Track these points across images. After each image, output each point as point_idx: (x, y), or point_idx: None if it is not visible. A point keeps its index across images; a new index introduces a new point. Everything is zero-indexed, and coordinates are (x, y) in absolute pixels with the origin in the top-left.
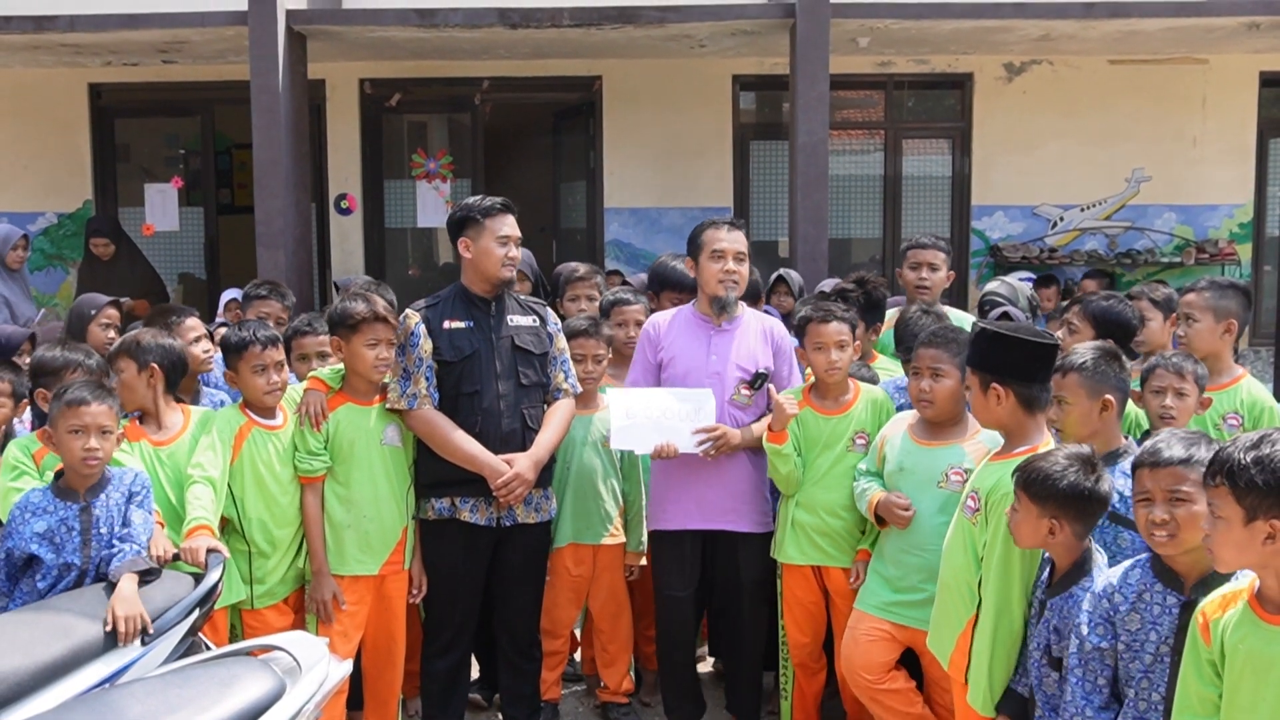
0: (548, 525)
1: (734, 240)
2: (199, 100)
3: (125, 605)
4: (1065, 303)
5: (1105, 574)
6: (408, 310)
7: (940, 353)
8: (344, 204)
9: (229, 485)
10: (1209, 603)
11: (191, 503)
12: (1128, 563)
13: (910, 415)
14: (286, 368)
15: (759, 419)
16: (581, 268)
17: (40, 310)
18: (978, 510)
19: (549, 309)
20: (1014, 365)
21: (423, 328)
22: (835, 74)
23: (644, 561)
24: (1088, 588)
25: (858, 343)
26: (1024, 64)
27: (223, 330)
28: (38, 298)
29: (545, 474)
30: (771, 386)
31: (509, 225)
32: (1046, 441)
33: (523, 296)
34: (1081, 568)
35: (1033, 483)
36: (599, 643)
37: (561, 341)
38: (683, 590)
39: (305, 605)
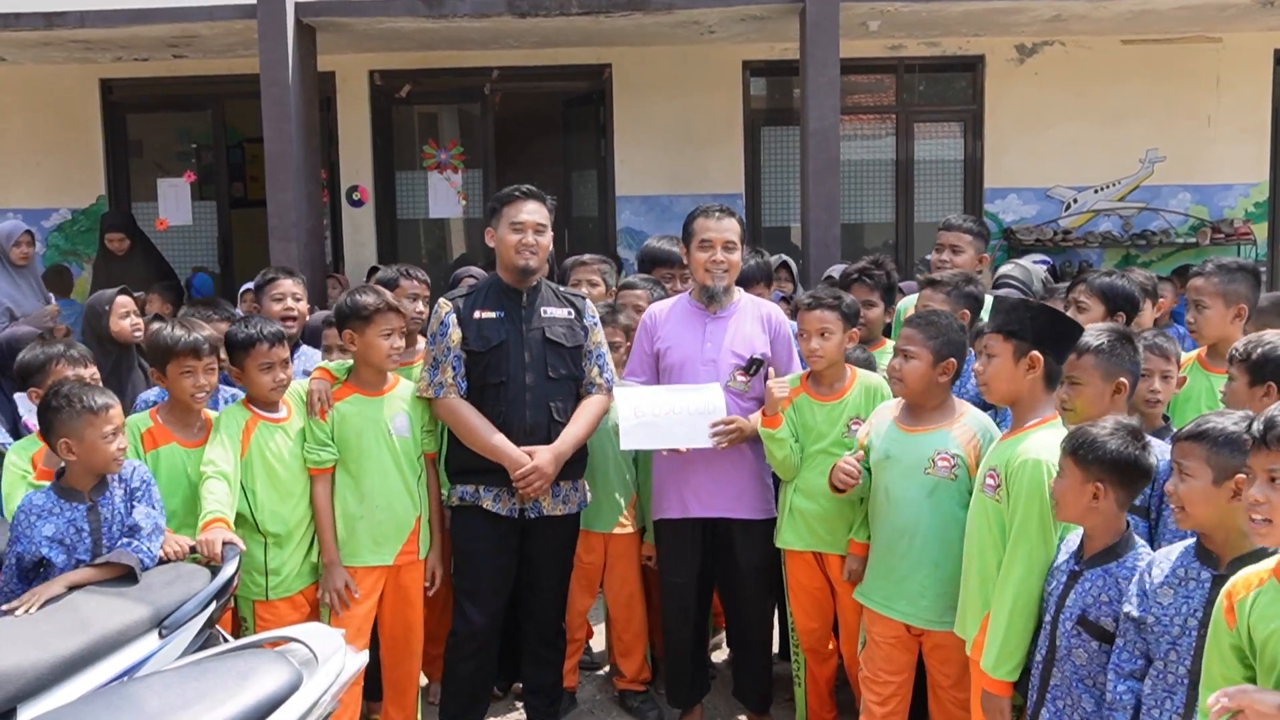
0: (577, 517)
1: (723, 229)
2: (210, 94)
3: (44, 590)
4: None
5: (1155, 552)
6: (441, 299)
7: (914, 333)
8: (356, 195)
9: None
10: (1235, 583)
11: (206, 497)
12: (1180, 544)
13: (896, 403)
14: (291, 365)
15: (760, 406)
16: (586, 256)
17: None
18: (998, 487)
19: (588, 301)
20: (1053, 339)
21: (453, 317)
22: (845, 58)
23: None
24: (1134, 564)
25: (854, 329)
26: (1036, 45)
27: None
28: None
29: (575, 466)
30: (768, 372)
31: (525, 211)
32: (1055, 416)
33: (562, 288)
34: (1127, 543)
35: (1081, 446)
36: (614, 631)
37: (598, 335)
38: (682, 577)
39: (319, 598)
